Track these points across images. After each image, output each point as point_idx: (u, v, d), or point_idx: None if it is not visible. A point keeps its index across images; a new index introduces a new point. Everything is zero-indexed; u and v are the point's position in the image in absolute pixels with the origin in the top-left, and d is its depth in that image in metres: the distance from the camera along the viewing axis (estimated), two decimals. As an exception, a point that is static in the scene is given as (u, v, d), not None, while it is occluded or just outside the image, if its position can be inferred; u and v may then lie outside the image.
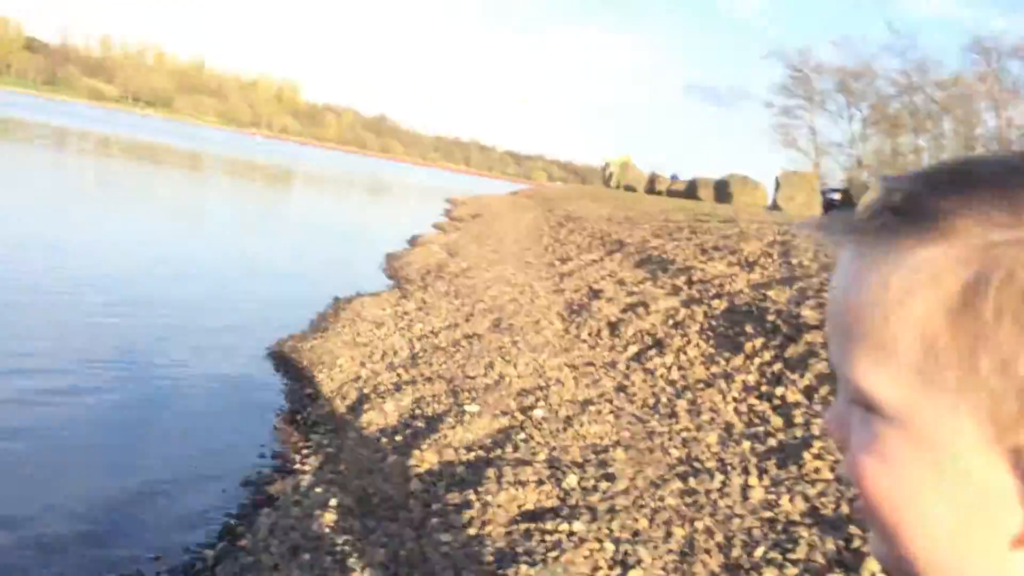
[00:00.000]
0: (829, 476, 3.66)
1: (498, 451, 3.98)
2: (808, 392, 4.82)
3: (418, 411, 4.58)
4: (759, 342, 5.86)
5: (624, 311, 7.70)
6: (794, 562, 2.87)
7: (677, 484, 3.60)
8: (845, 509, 3.31)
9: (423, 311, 7.66)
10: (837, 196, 23.84)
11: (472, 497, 3.34)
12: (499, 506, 3.26)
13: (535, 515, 3.22)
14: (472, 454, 3.96)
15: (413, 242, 14.28)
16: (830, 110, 47.28)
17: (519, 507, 3.29)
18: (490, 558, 2.80)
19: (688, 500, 3.44)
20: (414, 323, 7.06)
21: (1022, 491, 0.44)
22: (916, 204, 0.47)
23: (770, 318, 6.33)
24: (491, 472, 3.62)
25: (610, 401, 4.94)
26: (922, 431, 0.46)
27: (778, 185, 26.23)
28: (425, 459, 3.83)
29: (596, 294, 8.79)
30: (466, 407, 4.63)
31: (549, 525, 3.07)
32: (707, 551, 2.95)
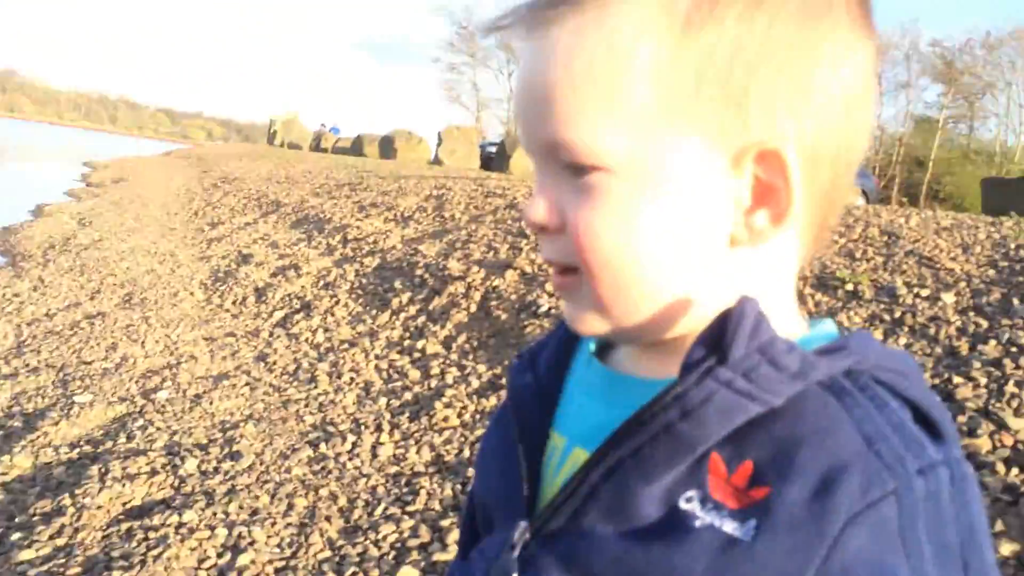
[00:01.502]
0: (456, 423, 3.78)
1: (109, 444, 3.60)
2: (447, 342, 4.96)
3: (16, 409, 4.01)
4: (406, 297, 5.93)
5: (274, 275, 7.42)
6: (411, 514, 2.91)
7: (307, 452, 3.50)
8: (467, 453, 3.43)
9: (39, 291, 6.77)
10: (493, 149, 25.01)
11: (67, 501, 2.97)
12: (99, 507, 2.93)
13: (142, 511, 2.94)
14: (76, 451, 3.54)
15: (38, 212, 12.61)
16: (491, 67, 49.50)
17: (124, 505, 2.99)
18: (77, 570, 2.50)
19: (316, 468, 3.36)
20: (25, 306, 6.21)
21: (735, 189, 0.50)
22: None
23: (419, 272, 6.43)
24: (95, 469, 3.26)
25: (247, 373, 4.70)
26: (651, 171, 0.50)
27: (440, 140, 26.92)
28: (16, 465, 3.35)
29: (246, 259, 8.39)
30: (76, 397, 4.14)
31: (156, 520, 2.82)
32: (327, 518, 2.89)
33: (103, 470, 3.24)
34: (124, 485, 3.10)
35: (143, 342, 5.28)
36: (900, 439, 0.47)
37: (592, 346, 0.64)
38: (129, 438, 3.64)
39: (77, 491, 3.05)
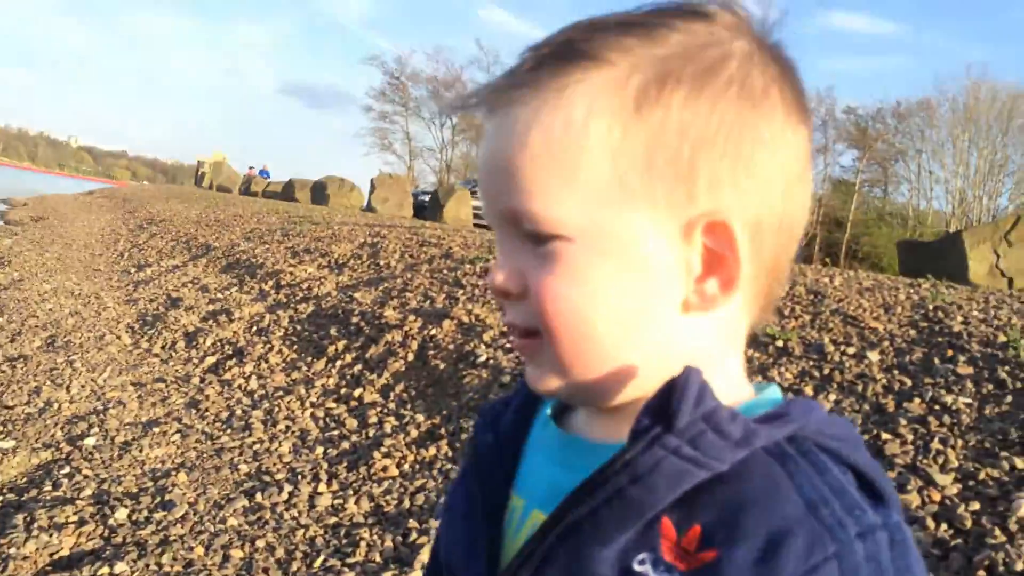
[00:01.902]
0: (396, 473, 3.76)
1: (34, 492, 3.47)
2: (384, 391, 4.93)
3: (-68, 457, 3.83)
4: (342, 344, 5.89)
5: (205, 320, 7.27)
6: (351, 566, 2.87)
7: (243, 502, 3.43)
8: (407, 504, 3.41)
9: (-46, 334, 6.49)
10: (427, 197, 25.11)
11: (-10, 553, 2.85)
12: (25, 558, 2.82)
13: (70, 562, 2.84)
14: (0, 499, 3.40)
15: (-48, 251, 12.11)
16: (424, 117, 49.89)
17: (51, 555, 2.88)
18: (2, 623, 2.40)
19: (252, 518, 3.30)
20: (-62, 350, 5.95)
21: (686, 257, 0.54)
22: (573, 48, 0.54)
23: (355, 320, 6.39)
24: (20, 518, 3.13)
25: (179, 419, 4.59)
26: (607, 239, 0.53)
27: (373, 187, 26.87)
28: (-67, 515, 3.20)
29: (175, 303, 8.20)
30: (-3, 444, 3.98)
31: (86, 571, 2.73)
32: (265, 570, 2.83)
33: (28, 519, 3.12)
34: (51, 535, 2.98)
35: (68, 386, 5.11)
36: (841, 504, 0.49)
37: (549, 410, 0.66)
38: (55, 486, 3.51)
39: (1, 541, 2.92)
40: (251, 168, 37.06)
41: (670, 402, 0.51)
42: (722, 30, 0.56)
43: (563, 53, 0.55)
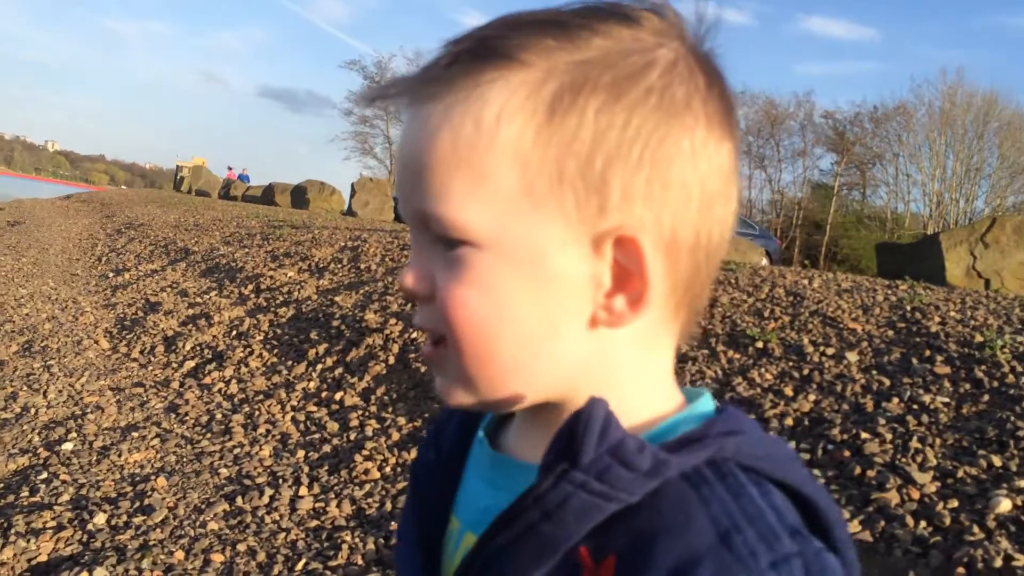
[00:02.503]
0: (377, 476, 3.75)
1: (11, 497, 3.43)
2: (365, 394, 4.92)
3: (-94, 461, 3.77)
4: (323, 348, 5.86)
5: (184, 324, 7.22)
6: (333, 569, 2.86)
7: (223, 506, 3.41)
8: (389, 506, 3.40)
9: (-71, 338, 6.41)
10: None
11: (-34, 559, 2.81)
12: (2, 564, 2.79)
13: (48, 567, 2.81)
14: (-26, 506, 3.35)
15: (-74, 256, 11.96)
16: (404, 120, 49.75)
17: (29, 561, 2.84)
18: (-21, 630, 2.36)
19: (233, 522, 3.27)
20: (-87, 355, 5.86)
21: (596, 272, 0.52)
22: (489, 47, 0.52)
23: (335, 324, 6.37)
24: (-4, 524, 3.10)
25: (157, 424, 4.55)
26: (516, 248, 0.51)
27: (354, 191, 26.78)
28: (-93, 520, 3.15)
29: (154, 307, 8.14)
30: (-27, 450, 3.93)
31: (64, 577, 2.70)
32: (246, 574, 2.82)
33: (5, 524, 3.08)
34: (29, 540, 2.95)
35: (45, 392, 5.05)
36: (755, 531, 0.47)
37: (481, 432, 0.65)
38: (32, 491, 3.47)
39: (-23, 547, 2.89)
40: (230, 169, 36.49)
41: (575, 436, 0.49)
42: (648, 36, 0.53)
43: (479, 51, 0.52)
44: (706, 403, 0.58)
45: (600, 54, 0.52)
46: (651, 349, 0.57)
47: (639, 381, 0.56)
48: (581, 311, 0.53)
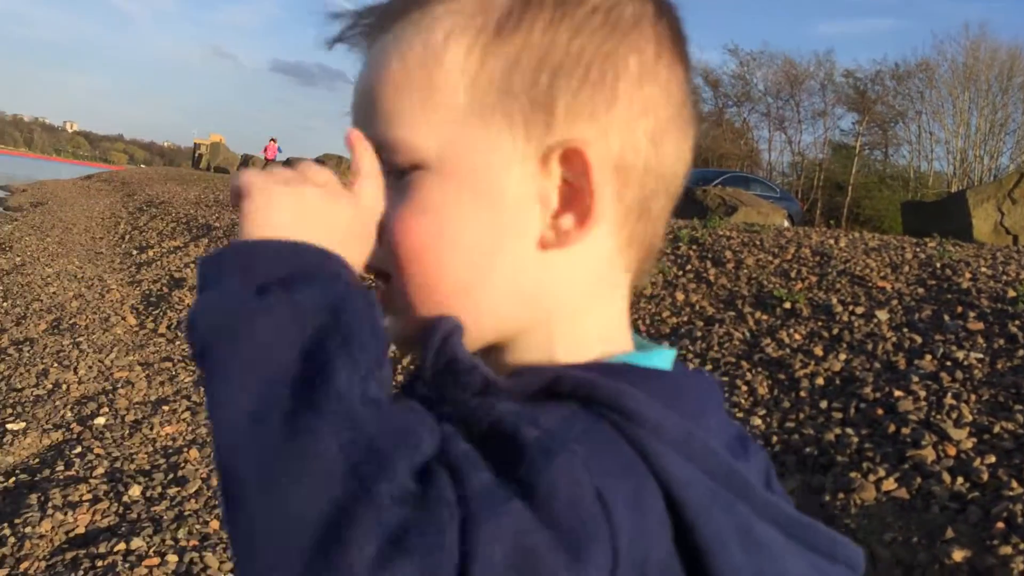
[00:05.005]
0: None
1: (47, 472, 3.47)
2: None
3: (-57, 440, 3.83)
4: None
5: (209, 299, 7.27)
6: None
7: (256, 476, 3.43)
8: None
9: (-41, 319, 6.49)
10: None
11: (7, 532, 2.85)
12: (41, 536, 2.82)
13: (86, 539, 2.85)
14: (12, 480, 3.40)
15: (-47, 238, 12.09)
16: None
17: (67, 533, 2.88)
18: (22, 600, 2.40)
19: (266, 491, 3.30)
20: (-56, 335, 5.94)
21: (544, 190, 0.51)
22: None
23: (358, 294, 6.39)
24: (34, 498, 3.14)
25: (187, 397, 4.59)
26: (462, 167, 0.51)
27: (371, 163, 26.84)
28: (-53, 497, 3.20)
29: (179, 283, 8.19)
30: (8, 426, 3.98)
31: (103, 547, 2.73)
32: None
33: (43, 498, 3.12)
34: (66, 513, 2.99)
35: (75, 368, 5.11)
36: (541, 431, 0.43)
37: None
38: (68, 466, 3.51)
39: (16, 520, 2.93)
40: (273, 140, 34.57)
41: (423, 348, 0.49)
42: None
43: None
44: (658, 358, 0.54)
45: None
46: (601, 284, 0.55)
47: (588, 317, 0.54)
48: (529, 232, 0.52)
